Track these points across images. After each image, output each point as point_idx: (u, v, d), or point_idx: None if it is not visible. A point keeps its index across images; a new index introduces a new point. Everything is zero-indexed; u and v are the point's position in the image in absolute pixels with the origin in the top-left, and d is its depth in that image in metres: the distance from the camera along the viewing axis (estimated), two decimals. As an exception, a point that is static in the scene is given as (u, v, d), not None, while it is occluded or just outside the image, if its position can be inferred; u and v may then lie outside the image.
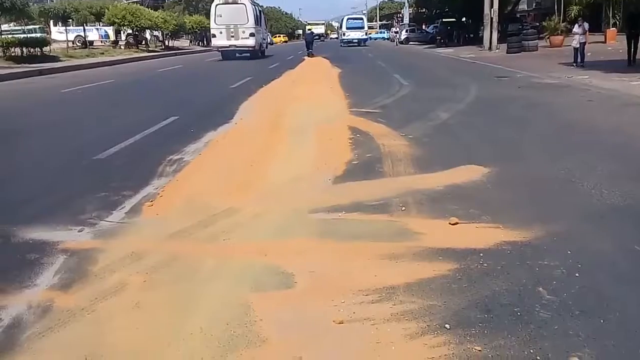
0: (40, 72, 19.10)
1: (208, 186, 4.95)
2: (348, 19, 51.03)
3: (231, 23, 26.61)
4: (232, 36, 26.72)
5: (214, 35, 27.79)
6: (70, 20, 35.88)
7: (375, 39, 68.61)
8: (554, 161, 5.44)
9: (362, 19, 52.29)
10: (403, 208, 4.20)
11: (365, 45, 45.21)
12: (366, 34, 49.94)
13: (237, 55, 27.43)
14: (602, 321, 2.57)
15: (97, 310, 2.77)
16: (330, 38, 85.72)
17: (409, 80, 14.05)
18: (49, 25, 40.41)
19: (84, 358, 2.37)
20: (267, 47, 34.14)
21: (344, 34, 49.20)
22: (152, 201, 4.50)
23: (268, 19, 51.30)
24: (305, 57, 29.24)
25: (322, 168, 5.46)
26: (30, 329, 2.59)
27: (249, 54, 27.28)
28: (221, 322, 2.64)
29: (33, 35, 30.61)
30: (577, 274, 3.03)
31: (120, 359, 2.36)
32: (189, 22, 46.26)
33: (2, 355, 2.39)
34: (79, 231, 3.87)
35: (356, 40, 46.40)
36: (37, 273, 3.20)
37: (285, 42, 78.28)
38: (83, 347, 2.45)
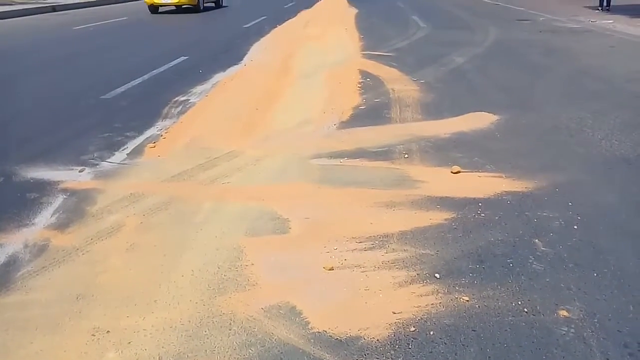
0: (54, 9, 18.82)
1: (212, 129, 4.91)
2: None
3: None
4: None
5: None
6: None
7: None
8: (567, 109, 5.29)
9: None
10: (406, 155, 4.14)
11: None
12: None
13: None
14: (595, 274, 2.54)
15: (92, 250, 2.81)
16: None
17: (428, 23, 13.63)
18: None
19: (75, 297, 2.41)
20: None
21: None
22: (154, 143, 4.48)
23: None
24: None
25: (328, 113, 5.38)
26: (25, 268, 2.64)
27: None
28: (213, 265, 2.66)
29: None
30: (575, 226, 2.98)
31: (110, 299, 2.39)
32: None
33: (-4, 292, 2.44)
34: (80, 171, 3.89)
35: None
36: (36, 212, 3.24)
37: None
38: (75, 286, 2.49)
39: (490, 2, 20.84)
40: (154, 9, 17.60)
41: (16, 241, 2.89)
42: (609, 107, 5.31)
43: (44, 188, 3.59)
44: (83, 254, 2.77)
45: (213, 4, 19.29)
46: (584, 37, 10.48)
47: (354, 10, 18.42)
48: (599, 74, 7.03)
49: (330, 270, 2.61)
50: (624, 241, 2.84)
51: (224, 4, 20.08)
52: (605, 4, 14.79)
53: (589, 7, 15.50)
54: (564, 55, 8.58)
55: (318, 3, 23.60)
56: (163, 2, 17.08)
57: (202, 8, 17.92)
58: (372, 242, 2.86)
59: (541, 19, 13.77)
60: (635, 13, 13.41)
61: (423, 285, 2.47)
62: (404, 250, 2.78)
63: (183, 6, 17.58)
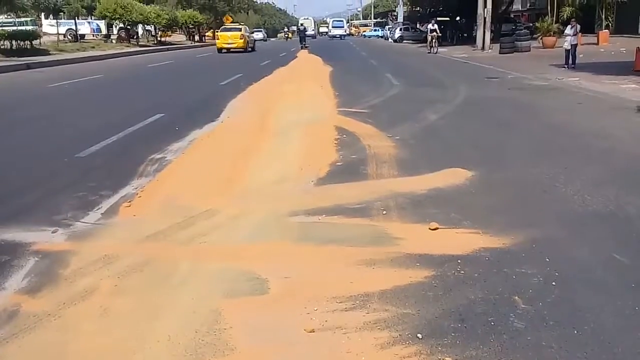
0: (28, 66, 18.91)
1: (188, 187, 4.89)
2: (333, 20, 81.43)
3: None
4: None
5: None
6: (62, 13, 35.56)
7: (370, 36, 68.94)
8: (539, 165, 5.41)
9: (342, 21, 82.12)
10: (384, 212, 4.16)
11: (344, 39, 64.29)
12: (345, 31, 74.97)
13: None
14: (575, 332, 2.54)
15: (64, 316, 2.71)
16: (320, 33, 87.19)
17: (400, 80, 14.02)
18: (41, 18, 40.06)
19: (46, 366, 2.31)
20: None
21: (330, 31, 75.38)
22: (129, 202, 4.43)
23: (262, 15, 70.43)
24: (298, 54, 29.17)
25: (305, 169, 5.41)
26: (-6, 335, 2.53)
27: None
28: (190, 329, 2.59)
29: (23, 28, 30.37)
30: (553, 283, 2.99)
31: (83, 368, 2.30)
32: (182, 17, 45.97)
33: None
34: (52, 232, 3.81)
35: (339, 35, 70.55)
36: (7, 276, 3.14)
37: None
38: (46, 354, 2.40)
39: (460, 61, 21.61)
40: (219, 50, 31.29)
41: (-16, 307, 2.78)
42: (579, 163, 5.46)
43: (16, 250, 3.49)
44: (55, 320, 2.67)
45: (251, 49, 32.57)
46: (552, 94, 10.87)
47: (328, 68, 18.88)
48: (568, 130, 7.26)
49: (311, 332, 2.56)
50: (601, 297, 2.86)
51: (255, 49, 33.86)
52: (570, 62, 15.44)
53: (555, 65, 16.13)
54: (533, 111, 8.86)
55: (294, 61, 24.20)
56: (225, 47, 30.98)
57: (249, 50, 31.93)
58: (353, 302, 2.82)
59: (510, 76, 14.27)
60: (599, 71, 14.00)
61: (406, 347, 2.43)
62: (385, 310, 2.75)
63: (232, 49, 30.86)
